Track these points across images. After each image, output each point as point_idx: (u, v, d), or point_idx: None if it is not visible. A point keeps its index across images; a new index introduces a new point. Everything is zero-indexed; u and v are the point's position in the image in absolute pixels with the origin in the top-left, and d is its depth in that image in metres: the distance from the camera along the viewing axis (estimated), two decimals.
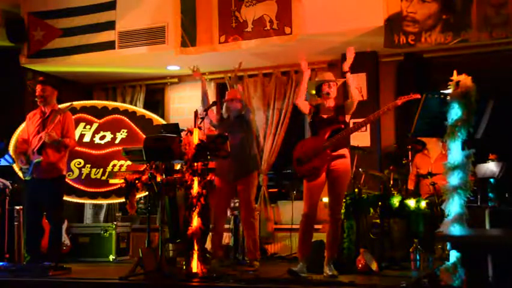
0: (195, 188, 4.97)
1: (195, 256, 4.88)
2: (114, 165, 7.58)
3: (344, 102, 5.16)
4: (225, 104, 6.01)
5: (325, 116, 5.05)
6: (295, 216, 7.04)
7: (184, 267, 5.02)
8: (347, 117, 5.08)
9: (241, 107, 5.87)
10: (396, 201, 5.72)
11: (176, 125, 6.28)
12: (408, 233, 5.65)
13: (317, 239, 5.23)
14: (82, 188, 7.50)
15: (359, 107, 5.11)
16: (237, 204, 6.25)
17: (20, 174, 6.22)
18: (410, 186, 6.44)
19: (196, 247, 4.90)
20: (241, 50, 7.01)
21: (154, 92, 8.76)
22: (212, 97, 7.93)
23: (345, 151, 5.01)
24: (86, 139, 7.69)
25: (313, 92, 5.22)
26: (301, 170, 5.00)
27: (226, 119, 5.98)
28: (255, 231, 5.80)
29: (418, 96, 4.40)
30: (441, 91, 4.29)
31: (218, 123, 5.94)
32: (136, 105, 8.39)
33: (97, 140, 7.72)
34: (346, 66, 5.00)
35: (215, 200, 5.66)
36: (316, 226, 5.15)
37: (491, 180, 5.92)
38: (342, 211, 5.73)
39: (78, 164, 7.56)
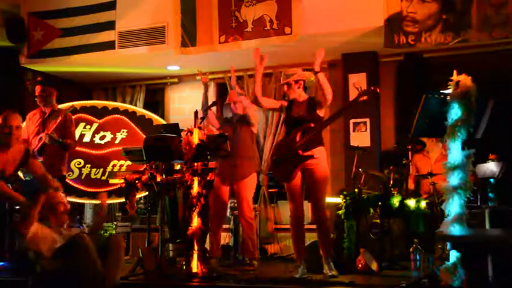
0: (195, 188, 4.97)
1: (195, 256, 4.88)
2: (114, 165, 7.58)
3: (316, 98, 5.14)
4: (226, 106, 6.01)
5: (295, 115, 5.00)
6: None
7: (184, 267, 5.02)
8: (321, 112, 5.01)
9: (244, 109, 5.86)
10: (396, 201, 5.72)
11: (176, 125, 6.29)
12: (408, 233, 5.64)
13: (315, 240, 5.22)
14: (82, 188, 7.50)
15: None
16: (236, 205, 6.24)
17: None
18: (410, 186, 6.42)
19: (196, 247, 4.90)
20: (241, 50, 7.00)
21: (154, 92, 8.75)
22: (212, 97, 7.94)
23: (318, 150, 4.89)
24: (86, 139, 7.69)
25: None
26: (277, 172, 5.00)
27: (229, 119, 5.98)
28: (253, 231, 5.79)
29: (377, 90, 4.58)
30: (441, 91, 4.29)
31: (221, 124, 5.94)
32: (136, 105, 8.39)
33: (97, 140, 7.72)
34: (317, 66, 4.96)
35: (212, 199, 5.66)
36: (313, 226, 5.13)
37: (491, 180, 5.91)
38: (342, 211, 5.76)
39: (78, 164, 7.56)
